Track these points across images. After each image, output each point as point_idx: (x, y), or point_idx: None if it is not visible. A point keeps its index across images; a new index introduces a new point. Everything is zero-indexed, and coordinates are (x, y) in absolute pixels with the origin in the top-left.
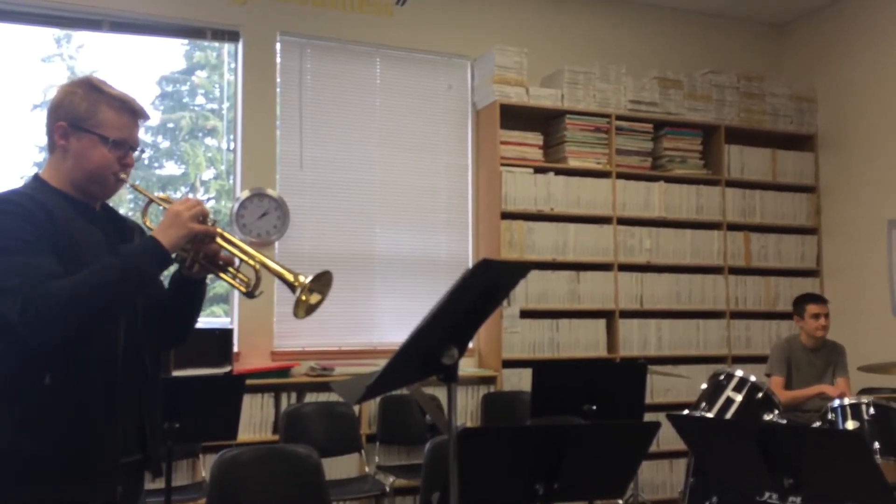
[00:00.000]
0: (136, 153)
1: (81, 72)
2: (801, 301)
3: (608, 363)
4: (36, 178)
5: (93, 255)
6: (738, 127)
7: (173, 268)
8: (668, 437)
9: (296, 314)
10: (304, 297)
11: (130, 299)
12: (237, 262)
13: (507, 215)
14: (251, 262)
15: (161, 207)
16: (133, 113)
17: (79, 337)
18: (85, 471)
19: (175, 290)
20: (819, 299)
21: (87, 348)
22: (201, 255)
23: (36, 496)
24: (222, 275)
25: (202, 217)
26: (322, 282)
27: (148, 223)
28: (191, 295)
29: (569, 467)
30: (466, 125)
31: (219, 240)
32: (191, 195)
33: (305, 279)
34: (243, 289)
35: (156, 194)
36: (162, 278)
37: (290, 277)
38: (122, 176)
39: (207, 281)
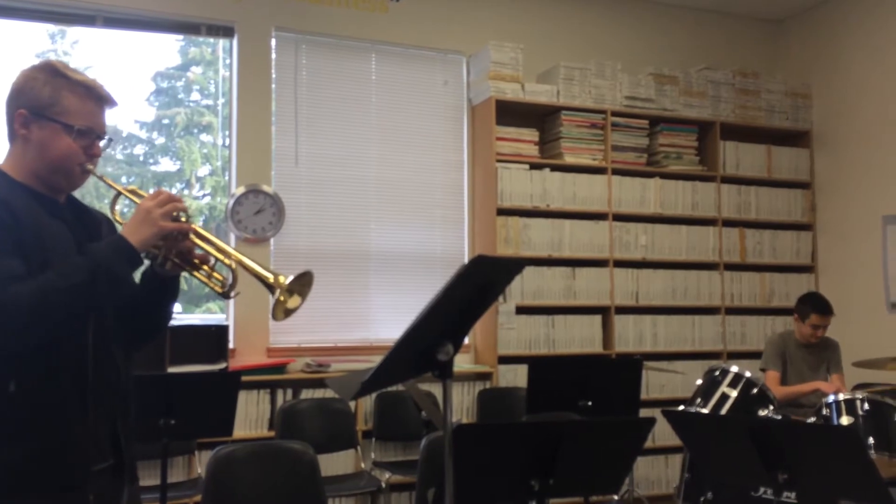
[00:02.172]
0: (104, 142)
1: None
2: (807, 305)
3: (604, 359)
4: None
5: (60, 253)
6: (734, 123)
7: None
8: (663, 433)
9: (274, 316)
10: (282, 299)
11: (100, 302)
12: (212, 260)
13: (502, 211)
14: (227, 260)
15: (130, 201)
16: (99, 99)
17: (46, 340)
18: (55, 481)
19: (147, 288)
20: (825, 311)
21: (54, 352)
22: (174, 252)
23: None
24: (196, 274)
25: (174, 213)
26: (303, 282)
27: (117, 217)
28: (163, 292)
29: (564, 463)
30: (462, 121)
31: (192, 237)
32: (186, 191)
33: (285, 280)
34: (218, 289)
35: (124, 186)
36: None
37: (270, 278)
38: (89, 167)
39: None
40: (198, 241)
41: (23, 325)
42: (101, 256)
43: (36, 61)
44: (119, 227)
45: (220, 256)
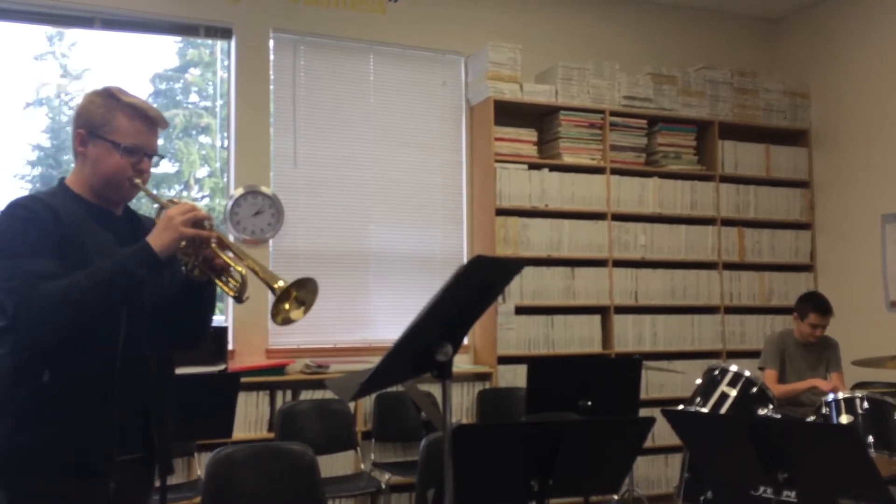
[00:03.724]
0: (155, 159)
1: (74, 70)
2: (807, 304)
3: (603, 359)
4: (60, 182)
5: (99, 258)
6: (732, 122)
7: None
8: (662, 433)
9: (273, 318)
10: (287, 307)
11: (122, 301)
12: (232, 268)
13: (501, 212)
14: (238, 266)
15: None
16: (147, 120)
17: (78, 335)
18: (80, 467)
19: (183, 292)
20: (825, 311)
21: (86, 347)
22: (200, 258)
23: (33, 488)
24: (219, 280)
25: (197, 221)
26: (308, 289)
27: None
28: (197, 297)
29: (564, 463)
30: (460, 122)
31: (213, 245)
32: (185, 193)
33: (285, 284)
34: (232, 293)
35: (166, 198)
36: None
37: (272, 283)
38: (137, 181)
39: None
40: (216, 249)
41: (48, 318)
42: (122, 259)
43: (35, 63)
44: None
45: (232, 263)
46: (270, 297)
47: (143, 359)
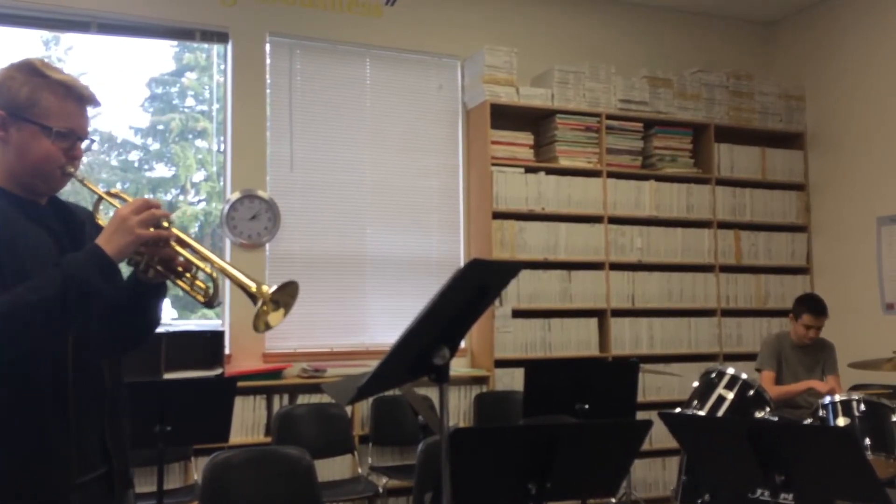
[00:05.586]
0: (86, 143)
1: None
2: (801, 305)
3: (600, 362)
4: None
5: (37, 261)
6: (728, 125)
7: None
8: (660, 436)
9: (255, 327)
10: (265, 309)
11: (75, 314)
12: (195, 268)
13: (498, 215)
14: (208, 268)
15: (112, 205)
16: (79, 99)
17: (24, 355)
18: (36, 493)
19: (132, 295)
20: (819, 312)
21: (32, 362)
22: (156, 259)
23: None
24: (179, 282)
25: (153, 220)
26: (287, 292)
27: (100, 221)
28: (149, 299)
29: (561, 466)
30: (457, 125)
31: (174, 244)
32: (181, 197)
33: (268, 289)
34: (201, 298)
35: (104, 190)
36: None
37: (252, 287)
38: (70, 169)
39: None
40: (178, 248)
41: None
42: (74, 268)
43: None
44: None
45: (202, 265)
46: (253, 304)
47: (97, 369)
